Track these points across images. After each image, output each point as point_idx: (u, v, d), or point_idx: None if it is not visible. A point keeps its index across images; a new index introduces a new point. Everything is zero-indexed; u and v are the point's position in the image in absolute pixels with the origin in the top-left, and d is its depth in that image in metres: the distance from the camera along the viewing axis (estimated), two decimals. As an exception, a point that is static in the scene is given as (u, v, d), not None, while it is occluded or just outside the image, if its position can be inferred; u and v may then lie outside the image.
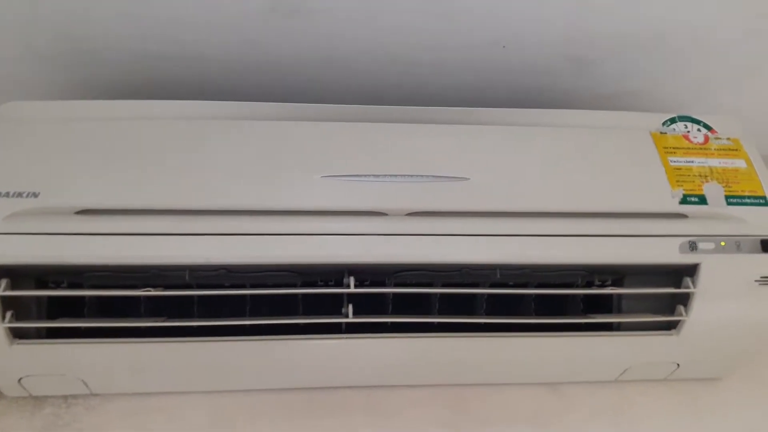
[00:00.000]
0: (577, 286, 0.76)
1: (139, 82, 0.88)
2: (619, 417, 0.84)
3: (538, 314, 0.77)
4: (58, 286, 0.70)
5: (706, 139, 0.79)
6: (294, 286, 0.72)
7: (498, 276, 0.72)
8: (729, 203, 0.74)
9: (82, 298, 0.72)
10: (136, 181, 0.69)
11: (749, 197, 0.75)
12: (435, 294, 0.76)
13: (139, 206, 0.68)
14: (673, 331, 0.76)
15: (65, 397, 0.80)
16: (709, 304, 0.73)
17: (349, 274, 0.71)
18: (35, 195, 0.67)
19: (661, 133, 0.79)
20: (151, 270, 0.69)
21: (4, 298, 0.66)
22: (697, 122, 0.81)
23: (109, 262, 0.67)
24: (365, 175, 0.71)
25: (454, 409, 0.83)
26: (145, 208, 0.68)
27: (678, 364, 0.81)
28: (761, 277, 0.73)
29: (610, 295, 0.76)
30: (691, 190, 0.74)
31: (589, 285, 0.76)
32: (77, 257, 0.66)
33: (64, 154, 0.70)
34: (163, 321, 0.70)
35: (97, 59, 0.83)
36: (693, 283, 0.72)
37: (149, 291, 0.68)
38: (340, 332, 0.73)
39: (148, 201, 0.68)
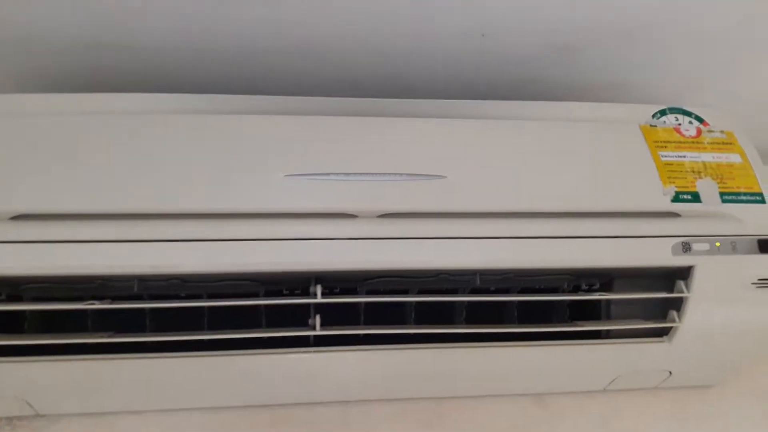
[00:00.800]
0: (563, 291, 0.71)
1: (83, 74, 0.81)
2: (608, 428, 0.79)
3: (522, 322, 0.72)
4: (-6, 300, 0.64)
5: (699, 132, 0.74)
6: (256, 295, 0.66)
7: (478, 282, 0.67)
8: (724, 201, 0.70)
9: (22, 312, 0.66)
10: (77, 182, 0.62)
11: (745, 194, 0.70)
12: (410, 302, 0.70)
13: (81, 210, 0.61)
14: (665, 338, 0.71)
15: (10, 419, 0.74)
16: (704, 309, 0.69)
17: (316, 282, 0.65)
18: (-37, 199, 0.60)
19: (651, 125, 0.74)
20: (96, 280, 0.63)
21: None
22: (689, 114, 0.76)
23: (49, 272, 0.61)
24: (333, 174, 0.65)
25: (433, 424, 0.77)
26: (87, 212, 0.61)
27: (670, 372, 0.77)
28: (758, 280, 0.69)
29: (598, 301, 0.71)
30: (683, 186, 0.70)
31: (575, 290, 0.71)
32: (13, 268, 0.60)
33: (-4, 154, 0.63)
34: (111, 336, 0.64)
35: (37, 48, 0.76)
36: (686, 286, 0.68)
37: (93, 304, 0.61)
38: (308, 345, 0.67)
39: (90, 205, 0.62)
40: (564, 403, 0.81)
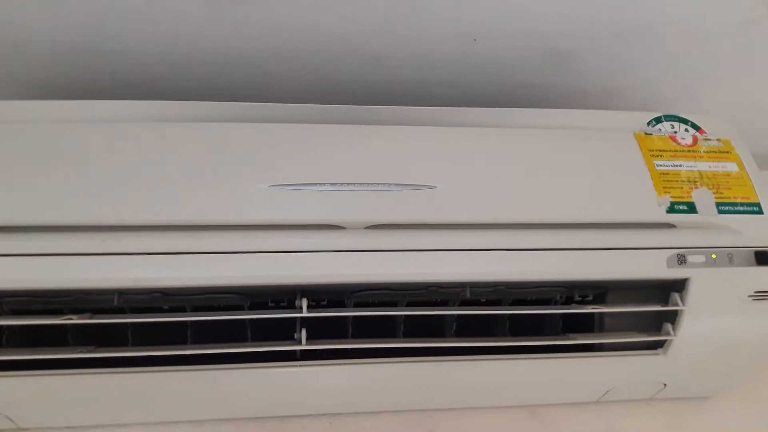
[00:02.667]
0: (556, 303, 0.70)
1: (65, 80, 0.79)
2: (602, 440, 0.78)
3: (514, 334, 0.71)
4: (-30, 314, 0.62)
5: (695, 140, 0.73)
6: (241, 308, 0.65)
7: (468, 294, 0.66)
8: (720, 211, 0.68)
9: (0, 326, 0.64)
10: (55, 193, 0.60)
11: (742, 204, 0.69)
12: (399, 315, 0.68)
13: (59, 222, 0.59)
14: (659, 350, 0.70)
15: (-10, 433, 0.72)
16: (699, 322, 0.68)
17: (303, 295, 0.63)
18: (-64, 211, 0.58)
19: (646, 134, 0.72)
20: (75, 294, 0.61)
21: None
22: (685, 122, 0.75)
23: (27, 286, 0.59)
24: (320, 184, 0.63)
25: (424, 437, 0.76)
26: (66, 224, 0.59)
27: (665, 384, 0.75)
28: (755, 292, 0.67)
29: (592, 313, 0.70)
30: (679, 197, 0.68)
31: (568, 301, 0.70)
32: (-10, 281, 0.58)
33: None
34: (92, 351, 0.62)
35: (18, 53, 0.74)
36: (682, 299, 0.67)
37: (71, 319, 0.60)
38: (295, 359, 0.66)
39: (69, 216, 0.60)
40: (557, 415, 0.79)
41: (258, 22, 0.72)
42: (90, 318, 0.61)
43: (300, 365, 0.65)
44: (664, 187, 0.68)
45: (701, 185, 0.69)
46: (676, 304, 0.67)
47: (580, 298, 0.70)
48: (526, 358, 0.68)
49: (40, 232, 0.59)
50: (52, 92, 0.81)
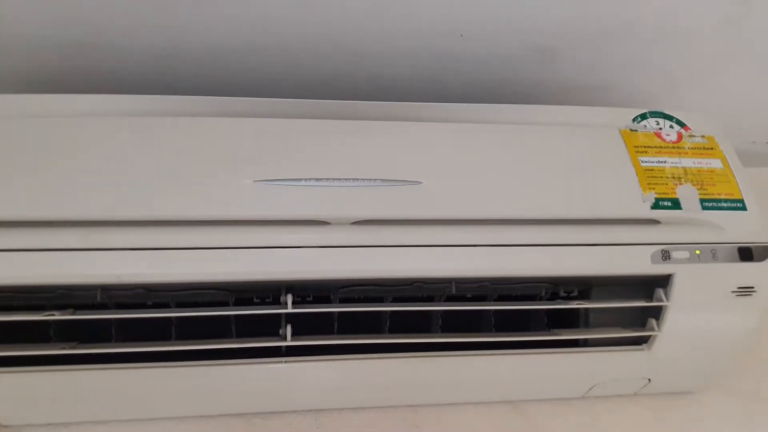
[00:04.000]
0: (541, 299, 0.70)
1: (50, 74, 0.78)
2: (587, 435, 0.78)
3: (499, 329, 0.71)
4: (-49, 310, 0.61)
5: (680, 136, 0.73)
6: (226, 304, 0.64)
7: (454, 290, 0.66)
8: (704, 208, 0.68)
9: (-19, 321, 0.63)
10: (36, 188, 0.59)
11: (725, 200, 0.69)
12: (385, 311, 0.68)
13: (40, 217, 0.59)
14: (644, 346, 0.70)
15: (-29, 430, 0.71)
16: (683, 317, 0.68)
17: (288, 291, 0.63)
18: None
19: (632, 130, 0.73)
20: (58, 290, 0.60)
21: None
22: (670, 118, 0.75)
23: (8, 282, 0.58)
24: (304, 179, 0.63)
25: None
26: (47, 219, 0.59)
27: (649, 379, 0.76)
28: (738, 288, 0.68)
29: (577, 309, 0.70)
30: (663, 193, 0.68)
31: (553, 297, 0.70)
32: (-30, 277, 0.57)
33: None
34: (74, 347, 0.62)
35: (3, 47, 0.73)
36: (666, 295, 0.67)
37: (53, 314, 0.59)
38: (281, 355, 0.65)
39: (50, 211, 0.59)
40: (542, 411, 0.79)
41: (244, 16, 0.72)
42: (73, 314, 0.61)
43: (285, 361, 0.65)
44: (648, 183, 0.68)
45: (686, 181, 0.69)
46: (661, 300, 0.67)
47: (565, 294, 0.70)
48: (511, 354, 0.68)
49: (22, 227, 0.59)
50: (36, 86, 0.80)
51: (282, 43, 0.76)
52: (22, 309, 0.62)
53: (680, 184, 0.69)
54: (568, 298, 0.70)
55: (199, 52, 0.77)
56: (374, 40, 0.77)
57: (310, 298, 0.66)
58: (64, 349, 0.61)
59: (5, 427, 0.71)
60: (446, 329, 0.70)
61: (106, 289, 0.61)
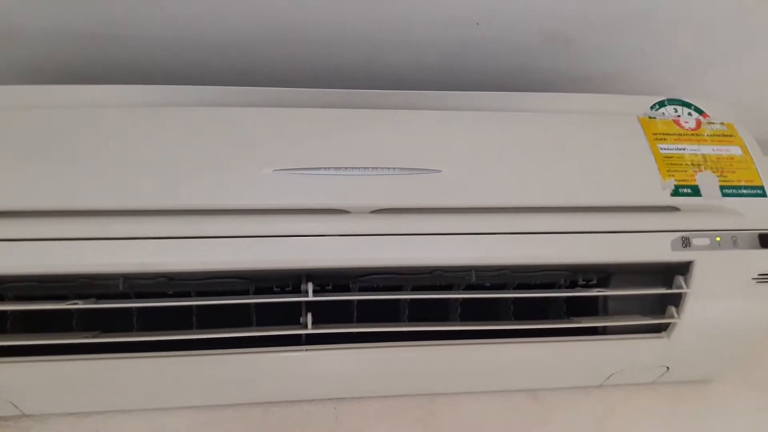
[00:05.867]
0: (560, 287, 0.70)
1: (66, 65, 0.79)
2: (604, 423, 0.78)
3: (518, 318, 0.71)
4: (-25, 299, 0.62)
5: (698, 123, 0.73)
6: (246, 293, 0.65)
7: (474, 278, 0.66)
8: (724, 194, 0.68)
9: (5, 311, 0.64)
10: (59, 178, 0.60)
11: (746, 187, 0.69)
12: (404, 299, 0.68)
13: (63, 207, 0.59)
14: (663, 334, 0.70)
15: (-6, 419, 0.72)
16: (703, 305, 0.68)
17: (308, 280, 0.63)
18: (-59, 196, 0.58)
19: (650, 117, 0.72)
20: (80, 279, 0.61)
21: None
22: (688, 105, 0.75)
23: (32, 271, 0.59)
24: (324, 168, 0.63)
25: (427, 421, 0.76)
26: (69, 208, 0.59)
27: (667, 368, 0.76)
28: (759, 275, 0.67)
29: (596, 297, 0.70)
30: (683, 180, 0.68)
31: (572, 285, 0.70)
32: (-6, 266, 0.57)
33: (-27, 148, 0.61)
34: (97, 336, 0.62)
35: (12, 39, 0.73)
36: (686, 282, 0.67)
37: (76, 303, 0.60)
38: (300, 343, 0.66)
39: (73, 201, 0.59)
40: (560, 399, 0.79)
41: (259, 6, 0.72)
42: (95, 303, 0.61)
43: (305, 350, 0.65)
44: (668, 171, 0.68)
45: (705, 168, 0.69)
46: (681, 287, 0.67)
47: (584, 282, 0.70)
48: (530, 342, 0.68)
49: (45, 216, 0.59)
50: (51, 77, 0.80)
51: (297, 32, 0.76)
52: (44, 299, 0.62)
53: (699, 171, 0.69)
54: (587, 286, 0.70)
55: (214, 43, 0.77)
56: (390, 28, 0.77)
57: (330, 287, 0.66)
58: (87, 337, 0.61)
59: (28, 416, 0.72)
60: (465, 318, 0.70)
61: (128, 277, 0.61)
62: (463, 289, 0.68)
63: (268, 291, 0.65)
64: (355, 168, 0.63)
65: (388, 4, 0.73)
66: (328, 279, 0.65)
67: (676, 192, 0.67)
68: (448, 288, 0.68)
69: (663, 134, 0.71)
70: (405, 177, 0.64)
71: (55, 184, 0.60)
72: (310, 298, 0.62)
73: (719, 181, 0.69)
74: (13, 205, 0.59)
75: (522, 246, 0.64)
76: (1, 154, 0.60)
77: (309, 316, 0.63)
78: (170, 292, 0.64)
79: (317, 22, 0.75)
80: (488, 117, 0.69)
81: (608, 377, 0.77)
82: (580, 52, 0.84)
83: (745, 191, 0.68)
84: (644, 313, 0.70)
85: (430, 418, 0.76)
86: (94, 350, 0.63)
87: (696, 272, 0.66)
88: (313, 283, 0.63)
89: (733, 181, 0.69)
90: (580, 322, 0.68)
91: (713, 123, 0.73)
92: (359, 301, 0.67)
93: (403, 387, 0.76)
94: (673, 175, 0.68)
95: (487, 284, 0.68)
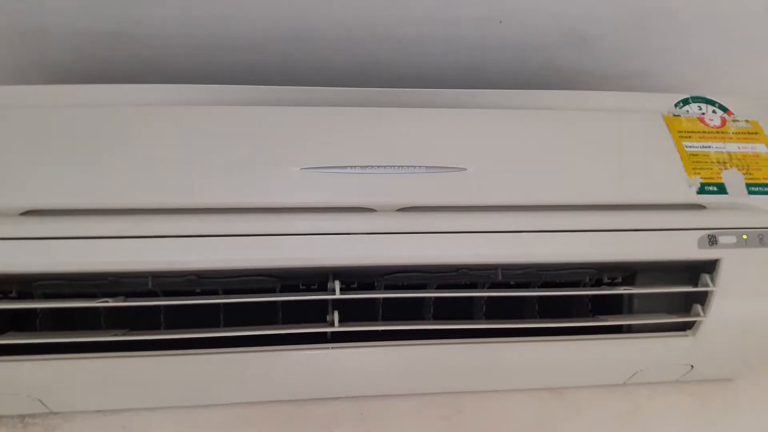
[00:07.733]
0: (585, 286, 0.70)
1: (90, 65, 0.79)
2: (628, 421, 0.78)
3: (543, 316, 0.71)
4: (5, 297, 0.62)
5: (723, 121, 0.72)
6: (273, 291, 0.65)
7: (499, 276, 0.66)
8: (750, 192, 0.68)
9: (34, 309, 0.64)
10: (89, 177, 0.60)
11: (772, 185, 0.68)
12: (429, 297, 0.68)
13: (93, 205, 0.60)
14: (688, 332, 0.70)
15: (22, 417, 0.73)
16: (729, 303, 0.67)
17: (334, 278, 0.64)
18: (-27, 194, 0.59)
19: (675, 115, 0.72)
20: (109, 277, 0.61)
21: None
22: (713, 103, 0.74)
23: (61, 269, 0.60)
24: (350, 167, 0.63)
25: (452, 418, 0.76)
26: (100, 207, 0.60)
27: (692, 366, 0.75)
28: (786, 273, 0.67)
29: (621, 295, 0.70)
30: (709, 178, 0.68)
31: (598, 284, 0.70)
32: (25, 264, 0.59)
33: (5, 147, 0.61)
34: (125, 334, 0.63)
35: (44, 39, 0.74)
36: (712, 280, 0.66)
37: (107, 302, 0.60)
38: (326, 341, 0.66)
39: (102, 200, 0.60)
40: (584, 397, 0.79)
41: (284, 4, 0.72)
42: (123, 301, 0.61)
43: (332, 347, 0.65)
44: (693, 168, 0.68)
45: (731, 166, 0.69)
46: (707, 285, 0.66)
47: (609, 280, 0.70)
48: (555, 340, 0.68)
49: (74, 215, 0.60)
50: (80, 77, 0.81)
51: (322, 31, 0.77)
52: (73, 297, 0.62)
53: (725, 168, 0.69)
54: (613, 284, 0.70)
55: (239, 42, 0.78)
56: (414, 27, 0.77)
57: (355, 285, 0.66)
58: (114, 335, 0.62)
59: (55, 414, 0.72)
60: (490, 316, 0.70)
61: (156, 276, 0.62)
62: (488, 288, 0.68)
63: (293, 289, 0.66)
64: (381, 166, 0.63)
65: (413, 2, 0.73)
66: (354, 277, 0.66)
67: (702, 190, 0.67)
68: (473, 286, 0.68)
69: (688, 132, 0.70)
70: (431, 175, 0.64)
71: (85, 183, 0.60)
72: (338, 296, 0.62)
73: (745, 178, 0.68)
74: (42, 204, 0.60)
75: (547, 244, 0.64)
76: (30, 154, 0.61)
77: (336, 313, 0.63)
78: (198, 291, 0.65)
79: (341, 20, 0.75)
80: (513, 115, 0.69)
81: (633, 375, 0.76)
82: (603, 50, 0.84)
83: (771, 189, 0.68)
84: (669, 311, 0.70)
85: (455, 416, 0.76)
86: (121, 348, 0.63)
87: (722, 270, 0.66)
88: (339, 281, 0.63)
89: (759, 178, 0.69)
90: (605, 320, 0.68)
91: (738, 120, 0.73)
92: (385, 299, 0.67)
93: (428, 385, 0.76)
94: (699, 173, 0.68)
95: (512, 282, 0.68)
